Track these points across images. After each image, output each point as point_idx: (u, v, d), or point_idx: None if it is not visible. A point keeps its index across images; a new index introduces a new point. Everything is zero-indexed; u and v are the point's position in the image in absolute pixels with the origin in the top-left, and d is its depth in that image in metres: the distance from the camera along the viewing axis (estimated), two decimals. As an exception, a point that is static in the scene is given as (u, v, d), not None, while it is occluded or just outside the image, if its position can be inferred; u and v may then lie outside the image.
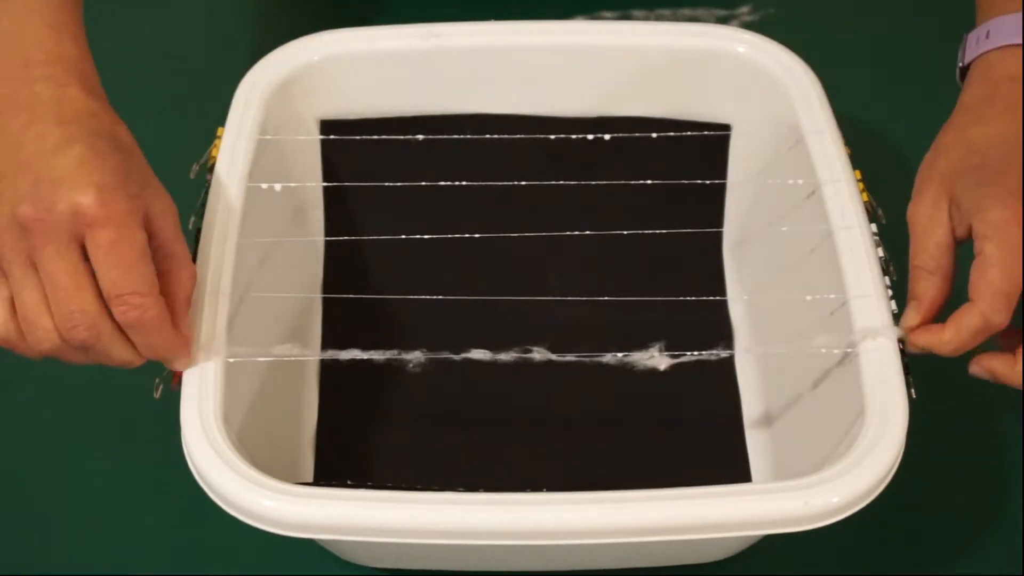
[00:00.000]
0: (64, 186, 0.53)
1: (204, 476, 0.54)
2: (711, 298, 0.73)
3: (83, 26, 0.60)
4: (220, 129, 0.66)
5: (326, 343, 0.72)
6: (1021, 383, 0.58)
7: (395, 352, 0.60)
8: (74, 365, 0.56)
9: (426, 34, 0.71)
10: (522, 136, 0.72)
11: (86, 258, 0.53)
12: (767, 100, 0.70)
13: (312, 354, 0.70)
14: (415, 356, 0.60)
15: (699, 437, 0.70)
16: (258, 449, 0.58)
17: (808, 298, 0.63)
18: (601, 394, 0.69)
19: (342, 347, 0.61)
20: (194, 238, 0.61)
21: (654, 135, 0.72)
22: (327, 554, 0.66)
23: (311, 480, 0.68)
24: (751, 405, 0.70)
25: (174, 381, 0.57)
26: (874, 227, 0.62)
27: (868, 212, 0.63)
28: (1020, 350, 0.57)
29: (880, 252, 0.61)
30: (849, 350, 0.59)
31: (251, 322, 0.62)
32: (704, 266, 0.75)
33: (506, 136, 0.72)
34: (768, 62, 0.70)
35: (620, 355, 0.60)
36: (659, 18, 0.81)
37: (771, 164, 0.70)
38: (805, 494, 0.53)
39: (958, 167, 0.59)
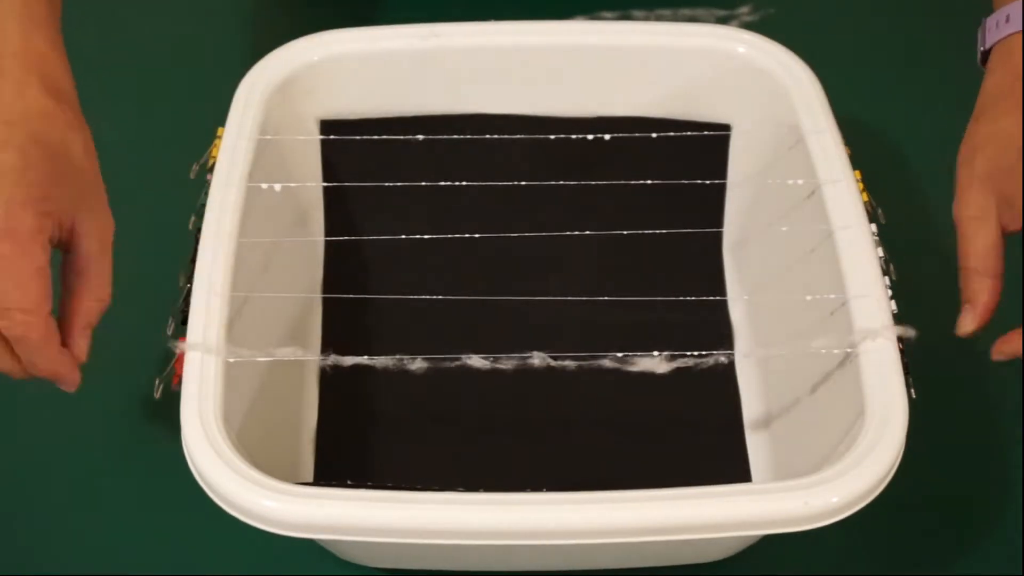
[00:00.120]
0: None
1: (204, 476, 0.54)
2: (711, 298, 0.73)
3: (59, 24, 0.59)
4: (220, 129, 0.66)
5: (326, 343, 0.72)
6: None
7: (395, 357, 0.60)
8: None
9: (426, 34, 0.71)
10: (522, 136, 0.72)
11: None
12: (767, 100, 0.70)
13: (313, 356, 0.70)
14: (416, 365, 0.60)
15: (699, 437, 0.70)
16: (258, 449, 0.58)
17: (808, 298, 0.63)
18: (601, 394, 0.69)
19: (342, 347, 0.61)
20: (194, 238, 0.61)
21: (654, 135, 0.72)
22: (327, 554, 0.66)
23: (311, 480, 0.68)
24: (751, 405, 0.70)
25: (174, 381, 0.57)
26: (874, 227, 0.62)
27: (868, 212, 0.63)
28: None
29: (880, 252, 0.61)
30: (849, 350, 0.59)
31: (251, 322, 0.62)
32: (704, 266, 0.75)
33: (506, 136, 0.72)
34: (768, 62, 0.70)
35: (620, 355, 0.60)
36: (659, 18, 0.81)
37: (771, 164, 0.70)
38: (805, 494, 0.53)
39: (1001, 163, 0.58)
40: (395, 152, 0.72)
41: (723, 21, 0.76)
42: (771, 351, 0.69)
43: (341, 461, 0.69)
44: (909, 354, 0.58)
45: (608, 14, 0.75)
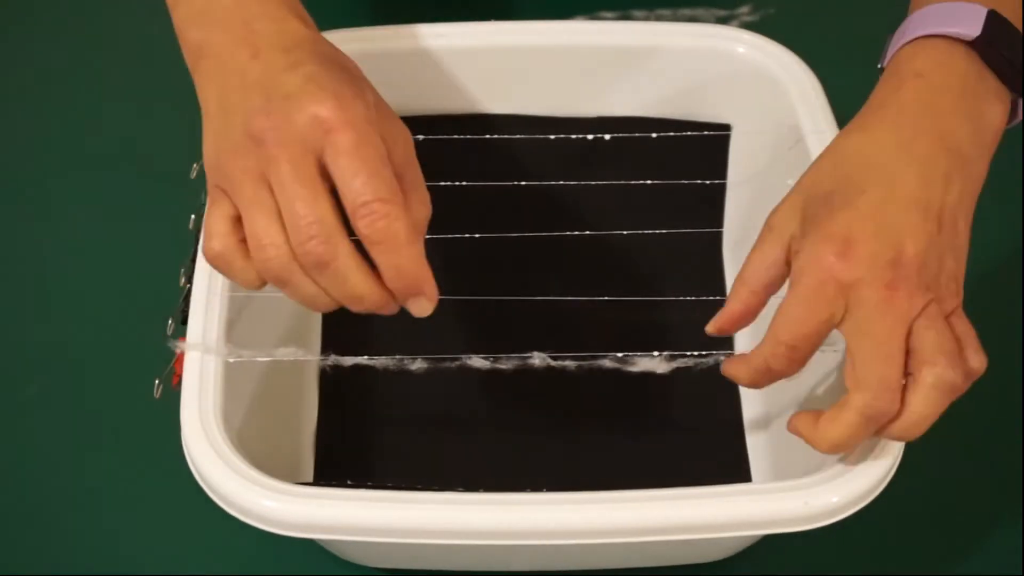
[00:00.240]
0: (299, 98, 0.50)
1: (204, 476, 0.54)
2: (711, 298, 0.73)
3: None
4: (220, 129, 0.66)
5: (326, 343, 0.72)
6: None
7: (395, 358, 0.60)
8: (294, 296, 0.51)
9: (427, 34, 0.71)
10: (522, 136, 0.72)
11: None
12: (767, 100, 0.70)
13: (313, 356, 0.70)
14: (416, 365, 0.60)
15: (699, 437, 0.70)
16: (258, 449, 0.58)
17: (808, 298, 0.63)
18: (601, 394, 0.69)
19: (342, 347, 0.61)
20: (194, 238, 0.61)
21: (654, 135, 0.72)
22: (327, 554, 0.66)
23: (311, 480, 0.68)
24: (751, 405, 0.70)
25: (174, 381, 0.57)
26: (874, 227, 0.62)
27: (868, 212, 0.63)
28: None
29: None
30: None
31: (251, 322, 0.62)
32: (704, 266, 0.75)
33: (506, 136, 0.72)
34: (768, 62, 0.70)
35: (620, 355, 0.60)
36: (659, 18, 0.81)
37: (771, 164, 0.70)
38: (805, 494, 0.53)
39: (819, 181, 0.54)
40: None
41: (723, 21, 0.76)
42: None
43: (341, 461, 0.69)
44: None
45: (608, 14, 0.75)
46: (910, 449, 0.55)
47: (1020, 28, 0.56)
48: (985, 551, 0.67)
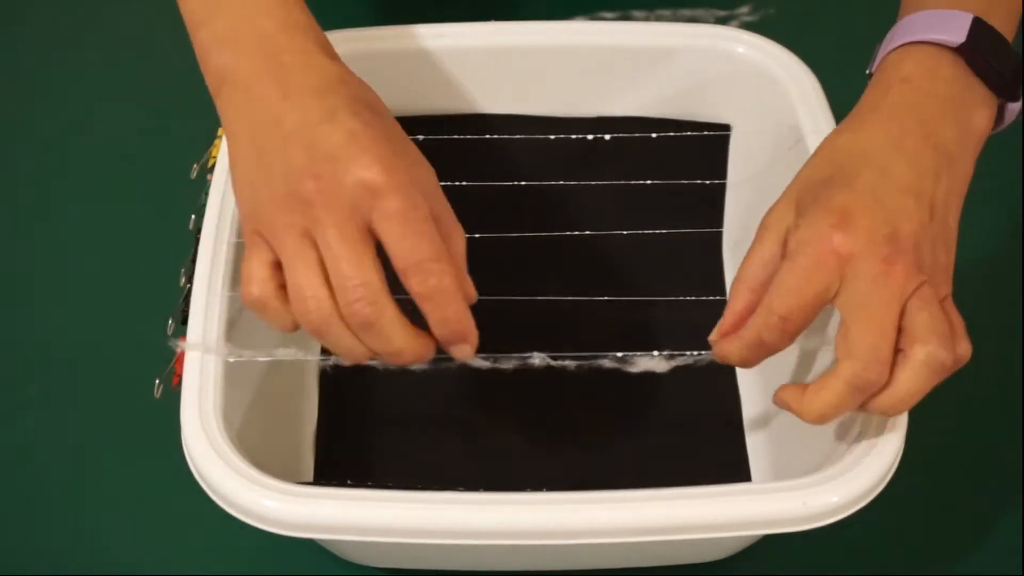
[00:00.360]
0: (344, 161, 0.51)
1: (204, 476, 0.54)
2: (711, 298, 0.73)
3: None
4: (220, 129, 0.66)
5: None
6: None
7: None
8: (329, 345, 0.53)
9: (427, 34, 0.71)
10: (522, 136, 0.72)
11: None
12: (767, 100, 0.70)
13: (313, 356, 0.70)
14: (416, 365, 0.59)
15: (699, 437, 0.70)
16: (258, 449, 0.58)
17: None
18: (601, 394, 0.69)
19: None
20: (194, 238, 0.61)
21: (654, 135, 0.72)
22: (327, 554, 0.66)
23: (311, 480, 0.68)
24: (751, 405, 0.70)
25: (174, 381, 0.57)
26: (874, 227, 0.62)
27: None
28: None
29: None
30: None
31: (251, 322, 0.62)
32: (704, 266, 0.75)
33: (506, 136, 0.72)
34: (768, 62, 0.70)
35: (620, 355, 0.60)
36: (659, 18, 0.81)
37: (771, 164, 0.70)
38: (805, 494, 0.53)
39: (813, 174, 0.55)
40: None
41: (723, 21, 0.76)
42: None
43: (341, 461, 0.69)
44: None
45: (608, 14, 0.75)
46: (910, 449, 0.56)
47: (1011, 35, 0.57)
48: (985, 551, 0.67)
